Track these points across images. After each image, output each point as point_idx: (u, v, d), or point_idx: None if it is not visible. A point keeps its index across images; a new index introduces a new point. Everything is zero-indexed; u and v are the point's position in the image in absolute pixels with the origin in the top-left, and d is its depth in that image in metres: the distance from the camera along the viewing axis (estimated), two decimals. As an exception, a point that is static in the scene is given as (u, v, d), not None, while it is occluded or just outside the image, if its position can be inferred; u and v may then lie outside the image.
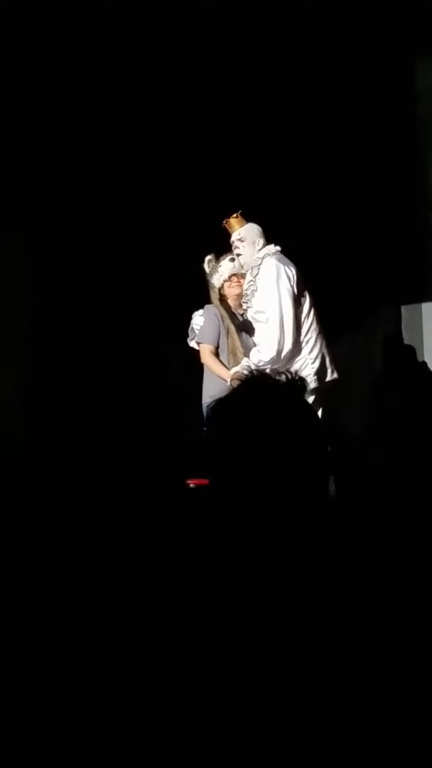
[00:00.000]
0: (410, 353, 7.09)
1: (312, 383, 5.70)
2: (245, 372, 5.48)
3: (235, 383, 5.50)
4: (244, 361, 5.72)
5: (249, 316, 5.91)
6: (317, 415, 1.69)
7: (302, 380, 1.62)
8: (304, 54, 7.03)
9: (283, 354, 5.65)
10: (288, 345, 5.65)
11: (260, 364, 5.62)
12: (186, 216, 6.87)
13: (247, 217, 5.93)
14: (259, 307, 5.78)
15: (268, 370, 5.55)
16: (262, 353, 5.67)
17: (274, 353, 5.64)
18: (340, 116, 7.16)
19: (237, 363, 5.79)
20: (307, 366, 5.73)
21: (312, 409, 1.63)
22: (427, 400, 6.19)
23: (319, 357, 5.76)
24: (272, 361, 5.64)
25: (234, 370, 5.74)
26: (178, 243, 6.83)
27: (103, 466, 1.83)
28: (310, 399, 5.65)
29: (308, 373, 5.70)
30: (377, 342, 7.34)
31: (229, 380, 5.70)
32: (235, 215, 5.89)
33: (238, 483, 1.52)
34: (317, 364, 5.75)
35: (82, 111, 6.80)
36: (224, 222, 5.91)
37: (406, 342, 7.33)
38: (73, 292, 6.71)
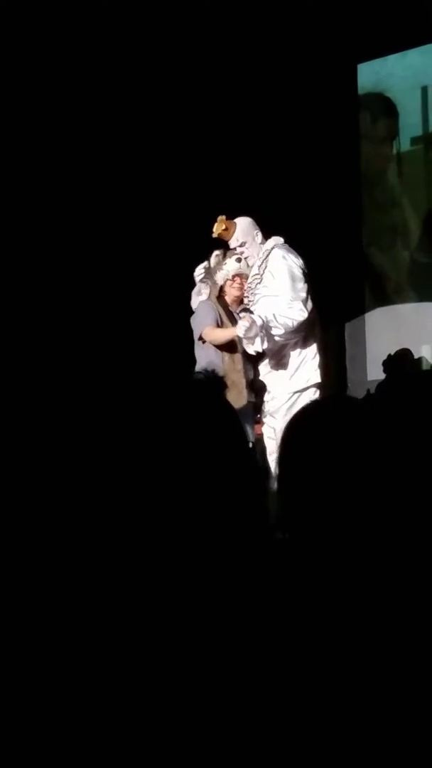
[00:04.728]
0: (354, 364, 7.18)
1: (317, 378, 5.65)
2: (255, 320, 5.39)
3: (245, 324, 5.35)
4: (255, 315, 5.53)
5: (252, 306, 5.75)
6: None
7: None
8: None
9: (295, 327, 5.52)
10: (300, 320, 5.51)
11: (271, 322, 5.47)
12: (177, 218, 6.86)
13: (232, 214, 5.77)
14: (265, 293, 5.62)
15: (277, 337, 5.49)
16: (279, 318, 5.47)
17: (290, 323, 5.48)
18: (289, 135, 7.24)
19: (231, 355, 5.65)
20: (308, 361, 5.66)
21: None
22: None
23: (320, 352, 5.70)
24: (284, 331, 5.50)
25: (243, 321, 5.53)
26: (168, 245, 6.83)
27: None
28: (316, 396, 5.58)
29: (312, 367, 5.65)
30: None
31: (239, 331, 5.53)
32: (222, 226, 5.69)
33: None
34: (318, 358, 5.68)
35: (78, 107, 6.77)
36: (215, 235, 5.74)
37: (349, 352, 7.40)
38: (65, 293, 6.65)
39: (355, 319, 7.47)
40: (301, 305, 5.52)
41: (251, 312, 5.65)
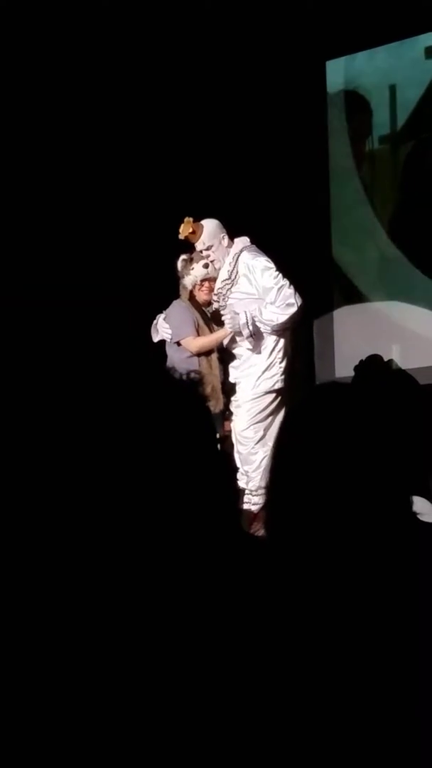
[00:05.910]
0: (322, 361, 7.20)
1: (280, 384, 5.69)
2: (249, 323, 5.40)
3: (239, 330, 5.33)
4: (245, 313, 5.56)
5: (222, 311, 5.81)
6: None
7: None
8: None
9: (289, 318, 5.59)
10: (291, 313, 5.58)
11: (256, 317, 5.53)
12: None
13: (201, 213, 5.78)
14: (239, 297, 5.66)
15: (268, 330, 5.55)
16: (279, 312, 5.55)
17: (285, 313, 5.56)
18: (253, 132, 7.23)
19: (208, 359, 5.71)
20: (275, 364, 5.69)
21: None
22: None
23: (287, 357, 5.74)
24: (282, 323, 5.56)
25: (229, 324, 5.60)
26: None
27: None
28: (277, 401, 5.65)
29: (278, 372, 5.69)
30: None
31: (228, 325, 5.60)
32: (189, 228, 5.70)
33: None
34: (285, 364, 5.72)
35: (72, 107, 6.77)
36: (182, 237, 5.74)
37: (317, 350, 7.42)
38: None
39: (323, 317, 7.48)
40: (290, 297, 5.56)
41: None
